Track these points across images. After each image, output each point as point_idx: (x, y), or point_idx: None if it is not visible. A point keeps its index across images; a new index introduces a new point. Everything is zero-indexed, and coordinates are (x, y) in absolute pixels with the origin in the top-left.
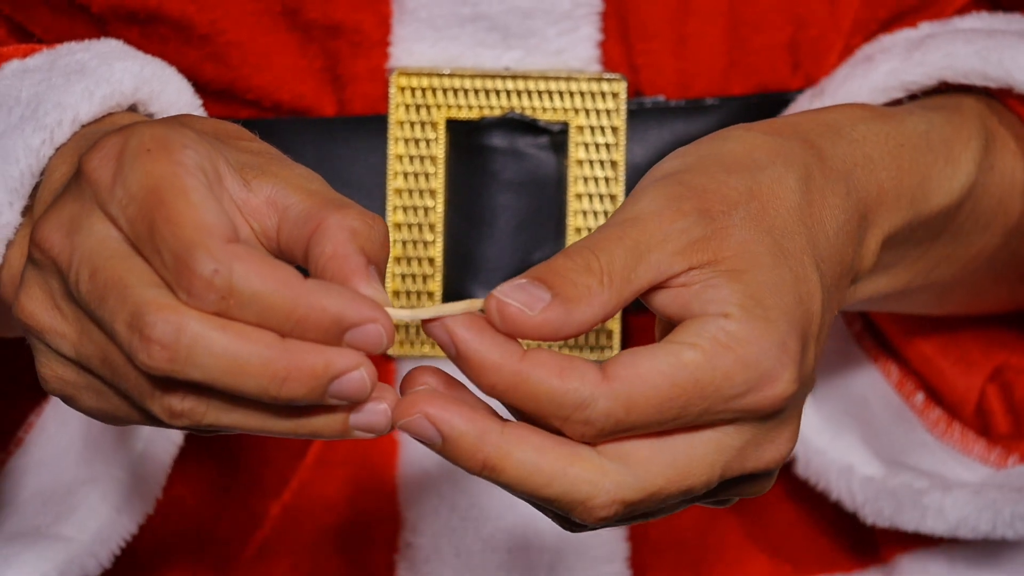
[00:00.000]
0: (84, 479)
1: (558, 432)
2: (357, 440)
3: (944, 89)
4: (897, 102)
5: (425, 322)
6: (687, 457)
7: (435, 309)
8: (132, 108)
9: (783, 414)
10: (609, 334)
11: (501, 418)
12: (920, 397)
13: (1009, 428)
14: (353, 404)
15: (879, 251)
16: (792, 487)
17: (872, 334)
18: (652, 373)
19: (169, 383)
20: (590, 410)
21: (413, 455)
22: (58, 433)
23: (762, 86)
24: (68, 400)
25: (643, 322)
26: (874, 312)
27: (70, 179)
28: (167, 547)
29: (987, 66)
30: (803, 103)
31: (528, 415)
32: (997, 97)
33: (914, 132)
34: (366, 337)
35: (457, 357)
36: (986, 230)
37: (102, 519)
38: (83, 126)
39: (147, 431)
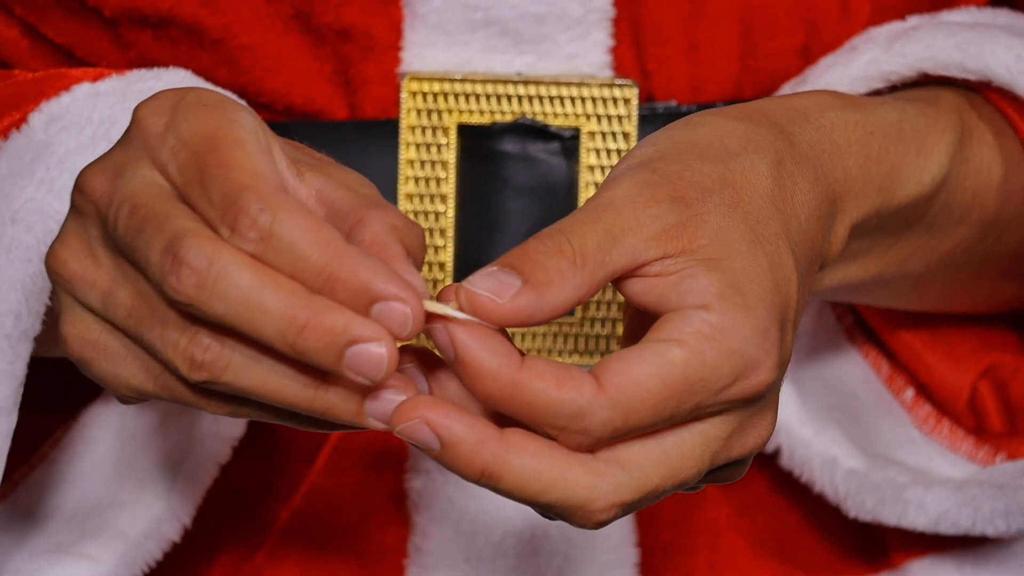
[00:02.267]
0: (112, 502)
1: (552, 439)
2: (367, 445)
3: (925, 81)
4: (878, 93)
5: (428, 322)
6: (678, 452)
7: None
8: None
9: (764, 399)
10: (618, 339)
11: (498, 424)
12: (910, 393)
13: (1003, 426)
14: (370, 387)
15: (847, 238)
16: (800, 492)
17: (863, 329)
18: (644, 377)
19: (194, 329)
20: (587, 420)
21: (423, 460)
22: (86, 452)
23: (773, 91)
24: (85, 364)
25: None
26: (861, 306)
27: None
28: (176, 552)
29: (966, 58)
30: (786, 91)
31: (523, 423)
32: (976, 90)
33: (884, 121)
34: (392, 314)
35: (455, 362)
36: (960, 223)
37: (128, 543)
38: None
39: (187, 459)
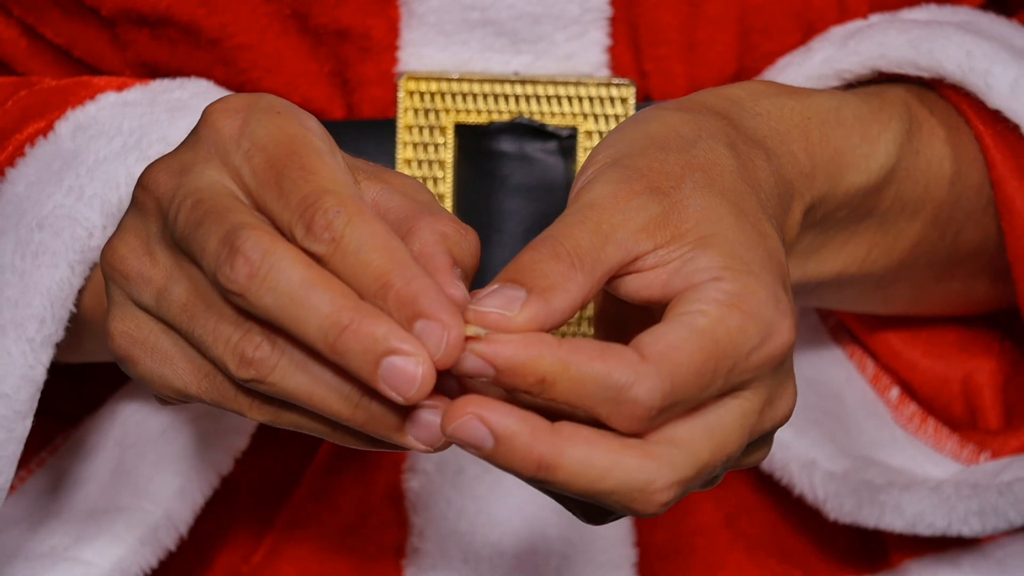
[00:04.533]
0: (109, 507)
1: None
2: None
3: (880, 79)
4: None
5: (459, 367)
6: (721, 426)
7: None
8: None
9: (786, 365)
10: None
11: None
12: (895, 392)
13: (999, 422)
14: (406, 406)
15: (802, 221)
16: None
17: (848, 328)
18: (681, 340)
19: (247, 326)
20: (635, 390)
21: (421, 461)
22: (87, 458)
23: None
24: (130, 362)
25: None
26: (841, 314)
27: (188, 135)
28: (175, 553)
29: (918, 56)
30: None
31: (572, 406)
32: (931, 86)
33: (821, 107)
34: (429, 334)
35: (499, 372)
36: (914, 218)
37: (125, 549)
38: None
39: (186, 468)
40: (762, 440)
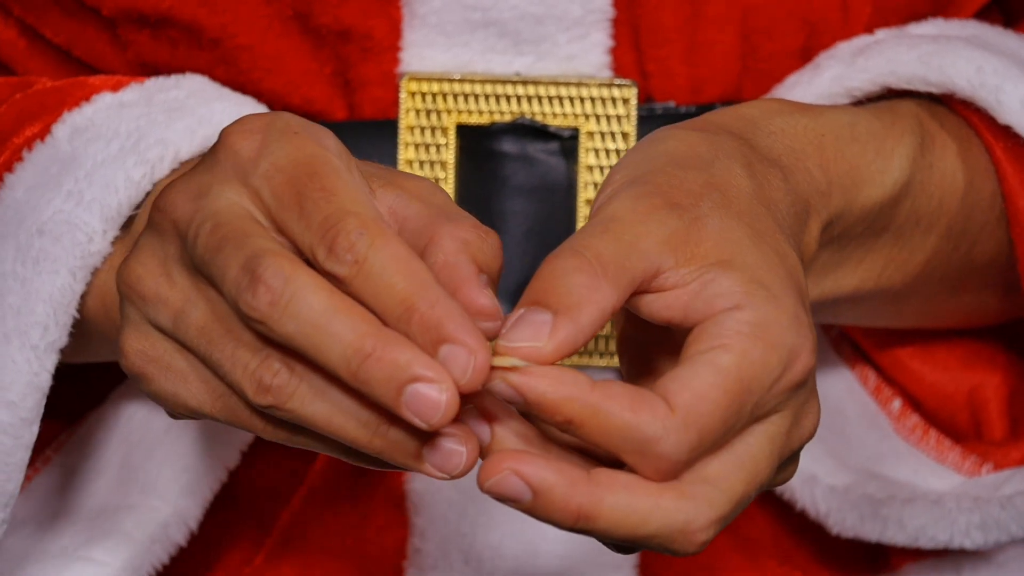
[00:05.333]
0: (119, 505)
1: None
2: None
3: (890, 96)
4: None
5: (487, 382)
6: (750, 457)
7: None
8: None
9: (809, 384)
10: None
11: (579, 465)
12: (897, 404)
13: (1003, 433)
14: (429, 432)
15: (819, 238)
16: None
17: (851, 341)
18: (705, 388)
19: (265, 352)
20: (663, 444)
21: None
22: (92, 455)
23: (773, 92)
24: (142, 379)
25: None
26: (848, 327)
27: (204, 156)
28: (176, 556)
29: (928, 72)
30: None
31: (600, 448)
32: (942, 101)
33: (835, 123)
34: (455, 359)
35: (528, 405)
36: (929, 232)
37: (135, 547)
38: (182, 163)
39: (194, 464)
40: (790, 459)
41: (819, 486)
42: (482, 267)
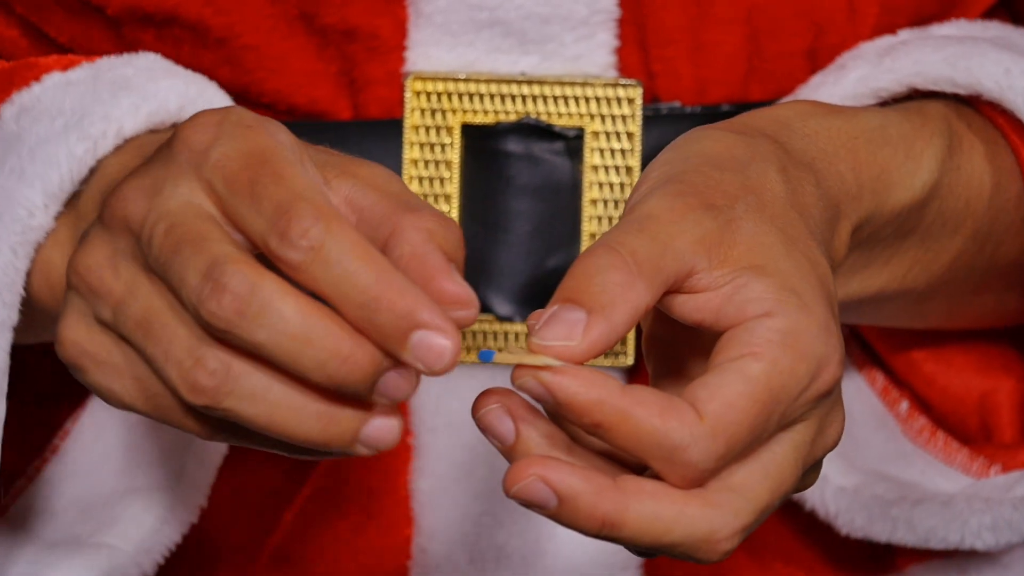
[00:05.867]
0: (126, 489)
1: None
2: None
3: (915, 97)
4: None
5: (517, 377)
6: (776, 465)
7: (515, 356)
8: (174, 126)
9: (834, 393)
10: (624, 339)
11: (607, 471)
12: (904, 405)
13: (1014, 439)
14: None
15: (849, 242)
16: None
17: (859, 342)
18: (734, 397)
19: (200, 352)
20: (691, 452)
21: (427, 462)
22: (95, 442)
23: (779, 92)
24: (78, 371)
25: None
26: (862, 327)
27: (158, 149)
28: (180, 553)
29: (955, 73)
30: None
31: (627, 453)
32: (969, 103)
33: (867, 126)
34: (431, 343)
35: (558, 405)
36: (956, 233)
37: (145, 529)
38: (126, 140)
39: (194, 444)
40: (813, 467)
41: (829, 486)
42: (448, 256)
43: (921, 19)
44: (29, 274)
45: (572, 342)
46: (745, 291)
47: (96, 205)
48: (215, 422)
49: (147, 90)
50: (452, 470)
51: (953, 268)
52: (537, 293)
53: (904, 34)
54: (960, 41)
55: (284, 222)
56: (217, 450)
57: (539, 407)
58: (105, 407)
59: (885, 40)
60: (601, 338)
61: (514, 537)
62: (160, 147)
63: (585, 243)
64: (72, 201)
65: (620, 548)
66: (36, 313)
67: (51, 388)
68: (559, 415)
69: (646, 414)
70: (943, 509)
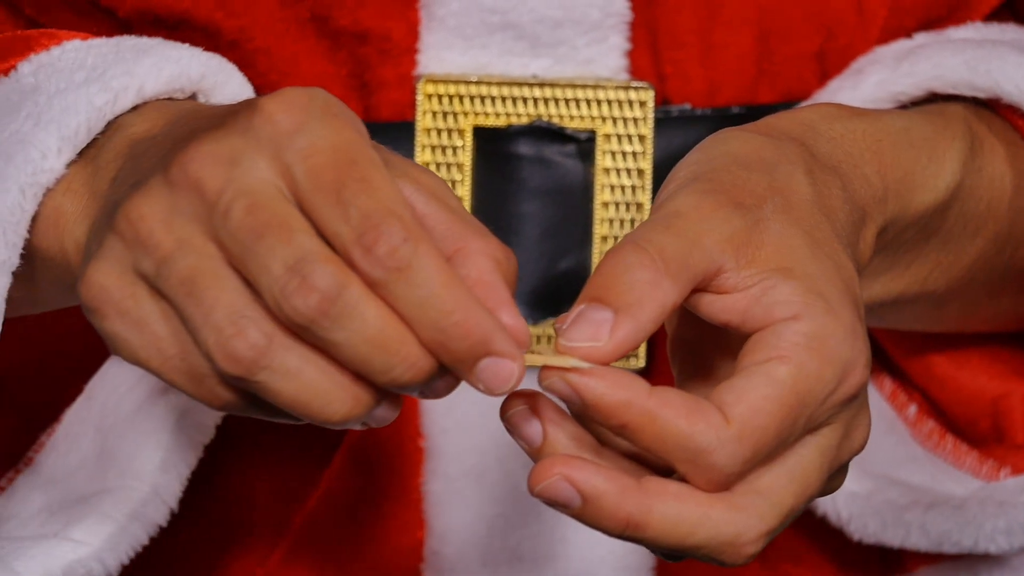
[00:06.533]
0: (97, 490)
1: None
2: (382, 447)
3: (934, 100)
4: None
5: (544, 378)
6: (801, 469)
7: (542, 358)
8: (192, 97)
9: (860, 396)
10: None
11: (633, 473)
12: (913, 409)
13: None
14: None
15: (874, 245)
16: None
17: (882, 346)
18: (761, 401)
19: (244, 322)
20: (717, 455)
21: (438, 464)
22: (69, 451)
23: (788, 94)
24: (96, 315)
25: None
26: (875, 330)
27: (228, 115)
28: (189, 554)
29: (975, 76)
30: None
31: (651, 454)
32: (988, 106)
33: (892, 128)
34: (499, 370)
35: (585, 406)
36: (976, 235)
37: (114, 526)
38: (145, 101)
39: (167, 441)
40: (839, 471)
41: (840, 492)
42: (509, 287)
43: (929, 20)
44: (36, 219)
45: (599, 343)
46: (772, 293)
47: (117, 161)
48: (239, 393)
49: (169, 54)
50: (464, 472)
51: (972, 270)
52: (548, 296)
53: (920, 37)
54: (979, 44)
55: (371, 236)
56: (191, 451)
57: (565, 408)
58: (82, 418)
59: (901, 44)
60: (628, 338)
61: (527, 539)
62: (232, 113)
63: (596, 246)
64: (89, 154)
65: (633, 550)
66: (36, 264)
67: (31, 398)
68: (585, 416)
69: (673, 416)
70: (956, 513)
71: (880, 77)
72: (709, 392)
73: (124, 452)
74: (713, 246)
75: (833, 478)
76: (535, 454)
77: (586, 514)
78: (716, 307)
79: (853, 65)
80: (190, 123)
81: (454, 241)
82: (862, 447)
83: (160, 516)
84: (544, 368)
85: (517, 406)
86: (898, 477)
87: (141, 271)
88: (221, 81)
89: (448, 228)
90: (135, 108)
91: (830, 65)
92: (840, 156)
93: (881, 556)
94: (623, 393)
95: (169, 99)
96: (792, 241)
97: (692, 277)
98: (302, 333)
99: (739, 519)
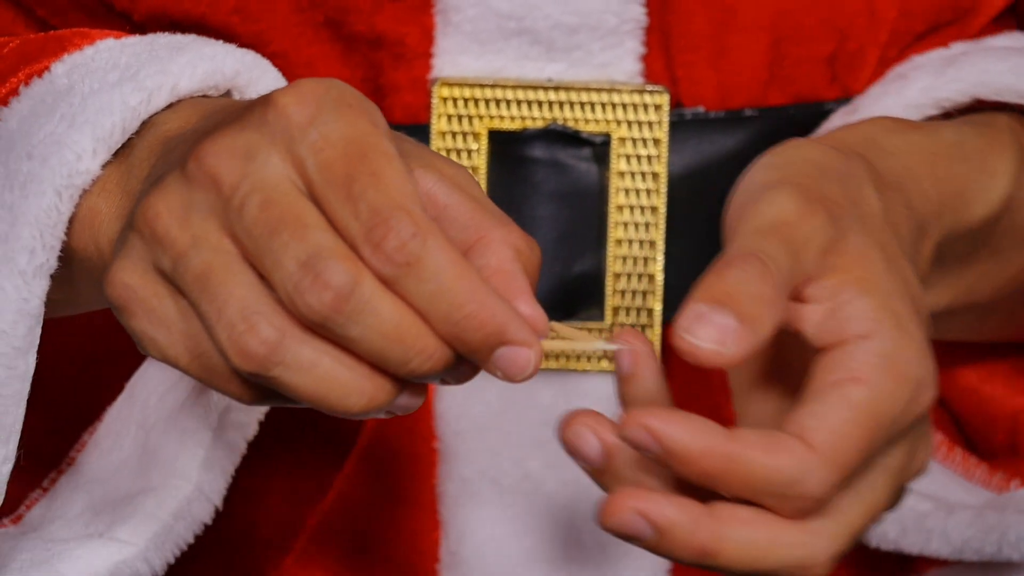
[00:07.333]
0: (141, 489)
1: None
2: (398, 448)
3: (977, 107)
4: (929, 120)
5: (623, 427)
6: (870, 490)
7: (566, 343)
8: (226, 94)
9: (927, 415)
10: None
11: (700, 499)
12: None
13: None
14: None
15: (930, 259)
16: None
17: None
18: (842, 424)
19: (255, 317)
20: (805, 484)
21: (453, 465)
22: (112, 450)
23: (798, 96)
24: (123, 313)
25: None
26: None
27: (245, 110)
28: (204, 554)
29: (1020, 82)
30: (837, 120)
31: (736, 496)
32: None
33: (945, 142)
34: (516, 358)
35: (665, 453)
36: (1022, 246)
37: (158, 525)
38: (179, 99)
39: (209, 439)
40: (903, 489)
41: None
42: (529, 277)
43: (936, 25)
44: (72, 220)
45: (724, 349)
46: (848, 308)
47: (150, 159)
48: (258, 387)
49: (203, 52)
50: (479, 473)
51: (1016, 281)
52: (563, 299)
53: (959, 46)
54: (1021, 52)
55: (380, 232)
56: (235, 448)
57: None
58: (123, 416)
59: (941, 52)
60: (748, 350)
61: (544, 540)
62: (248, 108)
63: (611, 249)
64: (123, 153)
65: (648, 553)
66: (73, 265)
67: (71, 398)
68: (664, 464)
69: (756, 455)
70: (977, 519)
71: (925, 83)
72: (765, 396)
73: (167, 450)
74: (811, 259)
75: (897, 497)
76: (596, 475)
77: (660, 546)
78: (792, 314)
79: (895, 70)
80: (215, 118)
81: (476, 230)
82: (925, 467)
83: (205, 514)
84: (625, 419)
85: (576, 426)
86: (912, 487)
87: (161, 268)
88: (256, 77)
89: (470, 217)
90: (169, 106)
91: (839, 67)
92: (900, 171)
93: (893, 559)
94: (701, 440)
95: (203, 96)
96: (869, 254)
97: (791, 290)
98: (317, 329)
99: (810, 542)
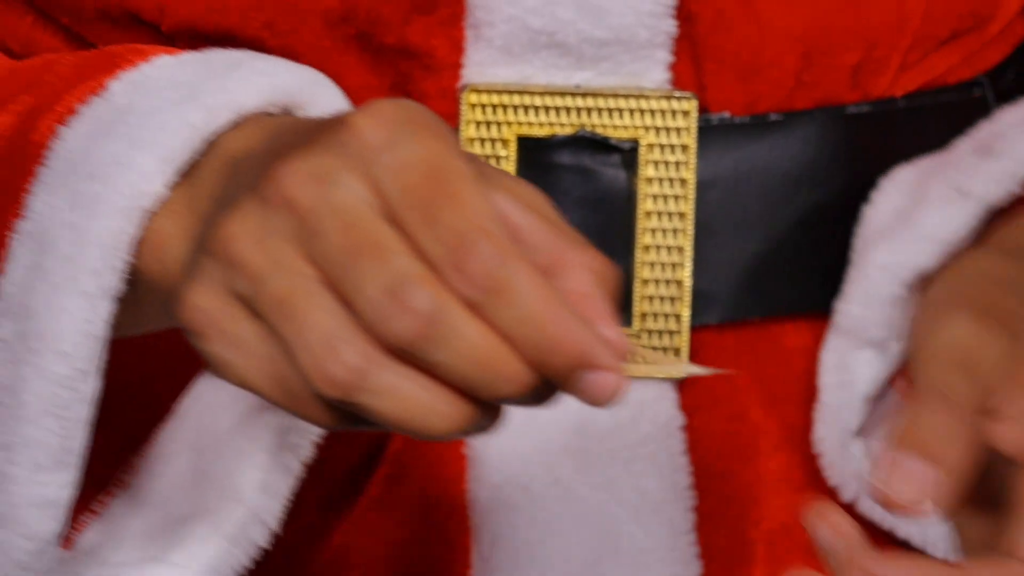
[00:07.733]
0: (195, 511)
1: None
2: (428, 455)
3: None
4: None
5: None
6: None
7: (651, 367)
8: (286, 110)
9: None
10: (676, 351)
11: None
12: None
13: None
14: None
15: None
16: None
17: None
18: None
19: (339, 344)
20: None
21: (483, 471)
22: (164, 473)
23: (822, 100)
24: (198, 337)
25: (708, 337)
26: None
27: (317, 131)
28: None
29: None
30: (965, 156)
31: None
32: None
33: None
34: (602, 384)
35: None
36: None
37: (214, 550)
38: (242, 117)
39: (265, 461)
40: None
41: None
42: (609, 301)
43: (957, 31)
44: (137, 242)
45: (923, 504)
46: None
47: (217, 179)
48: (340, 412)
49: (263, 69)
50: (509, 479)
51: None
52: None
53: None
54: None
55: (462, 255)
56: (290, 470)
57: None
58: (175, 438)
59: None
60: (947, 502)
61: (576, 545)
62: (321, 129)
63: (639, 255)
64: (188, 173)
65: (679, 559)
66: (139, 287)
67: (121, 419)
68: None
69: None
70: None
71: None
72: (971, 512)
73: (222, 472)
74: (994, 381)
75: None
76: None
77: None
78: (987, 433)
79: (980, 138)
80: (285, 139)
81: (552, 253)
82: None
83: (261, 538)
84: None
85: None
86: None
87: (237, 292)
88: (317, 94)
89: (545, 239)
90: (232, 124)
91: (863, 73)
92: None
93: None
94: None
95: (265, 113)
96: None
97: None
98: (401, 354)
99: None
